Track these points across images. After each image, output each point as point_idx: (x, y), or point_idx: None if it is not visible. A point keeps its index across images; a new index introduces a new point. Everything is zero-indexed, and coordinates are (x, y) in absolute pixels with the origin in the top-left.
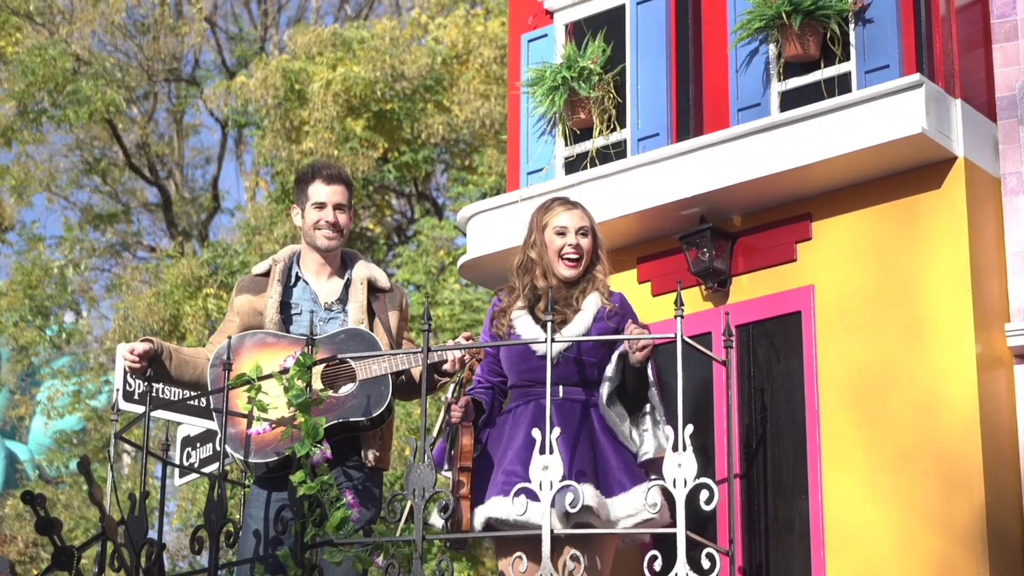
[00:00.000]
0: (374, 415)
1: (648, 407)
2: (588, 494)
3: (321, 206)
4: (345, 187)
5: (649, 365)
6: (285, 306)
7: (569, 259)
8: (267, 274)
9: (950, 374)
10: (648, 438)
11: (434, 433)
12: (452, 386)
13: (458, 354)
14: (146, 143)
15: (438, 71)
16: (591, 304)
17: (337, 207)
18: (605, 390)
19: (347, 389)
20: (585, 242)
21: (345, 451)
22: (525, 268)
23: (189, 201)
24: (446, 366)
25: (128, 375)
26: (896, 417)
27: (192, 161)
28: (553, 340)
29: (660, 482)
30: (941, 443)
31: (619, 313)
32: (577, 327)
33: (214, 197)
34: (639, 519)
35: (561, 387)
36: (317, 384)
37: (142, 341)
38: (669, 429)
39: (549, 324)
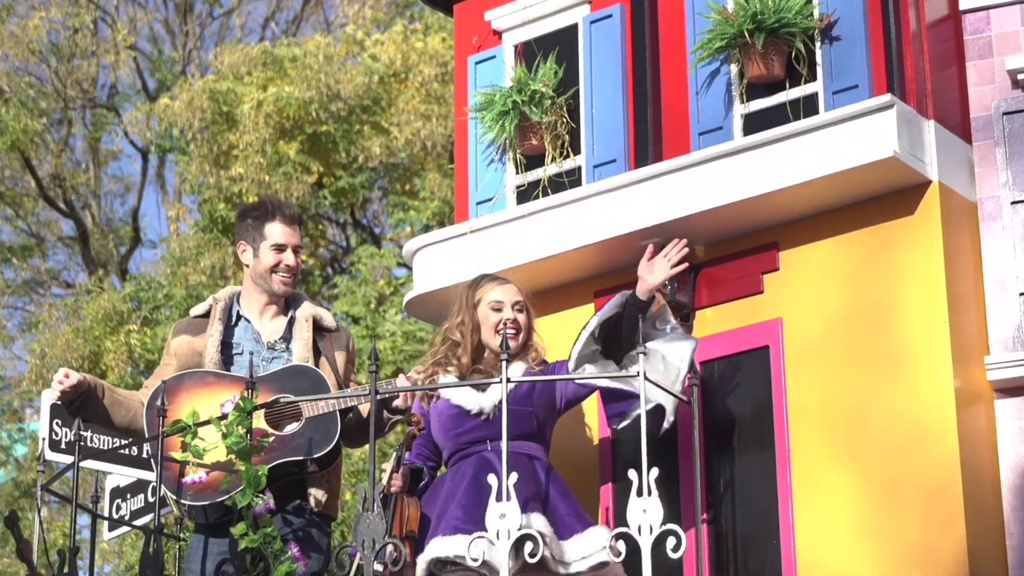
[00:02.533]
0: (320, 454)
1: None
2: (538, 523)
3: (281, 248)
4: (301, 227)
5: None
6: (226, 346)
7: (509, 334)
8: (205, 315)
9: (927, 411)
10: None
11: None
12: (393, 455)
13: (409, 385)
14: (60, 173)
15: (375, 90)
16: (518, 369)
17: (295, 249)
18: (572, 363)
19: (292, 428)
20: (522, 318)
21: (288, 495)
22: (450, 349)
23: (107, 233)
24: (397, 402)
25: (55, 409)
26: (871, 457)
27: (111, 191)
28: (509, 380)
29: (622, 529)
30: (919, 483)
31: (546, 363)
32: (512, 375)
33: (134, 229)
34: (593, 561)
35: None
36: (260, 423)
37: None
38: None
39: (504, 363)
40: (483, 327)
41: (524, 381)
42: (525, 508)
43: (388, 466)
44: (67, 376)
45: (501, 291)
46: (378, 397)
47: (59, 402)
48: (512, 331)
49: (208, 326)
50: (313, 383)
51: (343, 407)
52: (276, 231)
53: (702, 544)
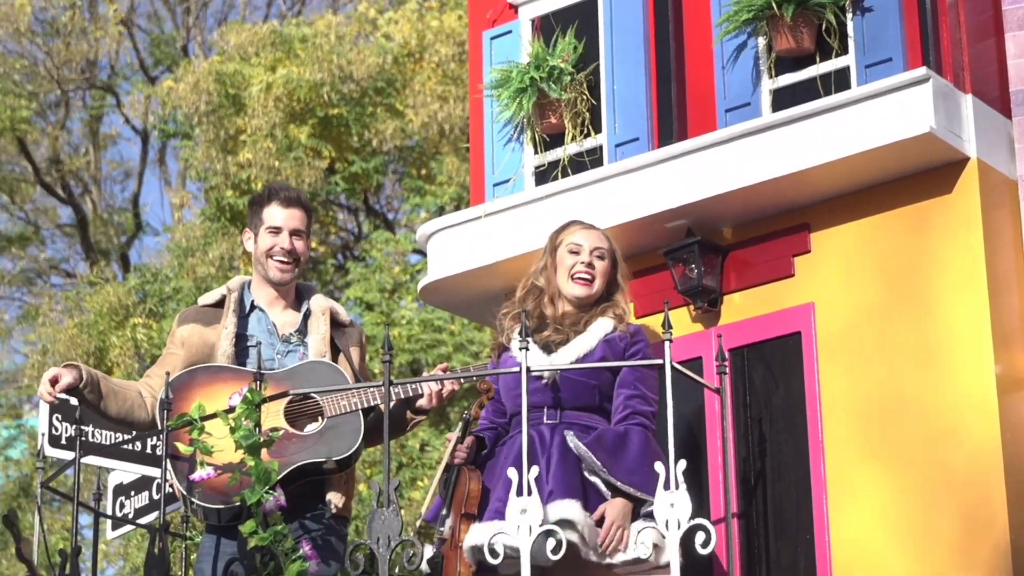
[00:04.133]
0: (341, 457)
1: None
2: (574, 512)
3: (276, 231)
4: (304, 212)
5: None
6: (240, 338)
7: (581, 278)
8: (216, 304)
9: (967, 398)
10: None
11: (436, 477)
12: (459, 424)
13: (435, 387)
14: (58, 158)
15: (389, 71)
16: (599, 328)
17: (294, 233)
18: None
19: (312, 428)
20: (601, 264)
21: (306, 499)
22: (532, 295)
23: (107, 221)
24: (422, 402)
25: (53, 417)
26: (910, 447)
27: (110, 176)
28: (529, 370)
29: (651, 524)
30: (960, 475)
31: (630, 339)
32: (574, 349)
33: (135, 216)
34: (629, 556)
35: (559, 411)
36: (280, 422)
37: (65, 366)
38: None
39: (524, 352)
40: (559, 269)
41: (542, 371)
42: (563, 495)
43: (453, 436)
44: (56, 379)
45: (584, 235)
46: (402, 397)
47: (55, 414)
48: (587, 277)
49: (222, 317)
50: (334, 382)
51: (365, 406)
52: (272, 214)
53: (733, 539)
